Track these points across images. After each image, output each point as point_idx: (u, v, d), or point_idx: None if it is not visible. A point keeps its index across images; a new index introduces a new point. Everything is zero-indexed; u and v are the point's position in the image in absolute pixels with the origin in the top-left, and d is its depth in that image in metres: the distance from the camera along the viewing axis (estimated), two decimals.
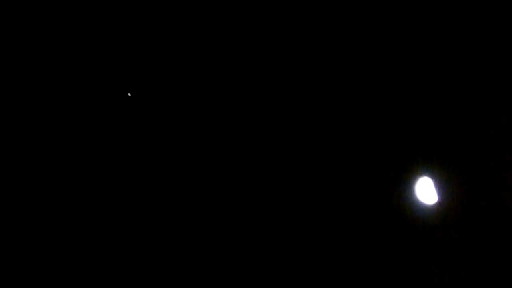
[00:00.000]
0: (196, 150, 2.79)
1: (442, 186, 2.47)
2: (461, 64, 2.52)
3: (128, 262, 2.68)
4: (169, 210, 2.75)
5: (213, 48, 2.82)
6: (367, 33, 2.65)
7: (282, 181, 2.70)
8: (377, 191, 2.58)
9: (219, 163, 2.77)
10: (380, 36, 2.65)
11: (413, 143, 2.57)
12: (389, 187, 2.56)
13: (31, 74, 2.79)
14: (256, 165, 2.73)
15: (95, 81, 2.83)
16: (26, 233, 2.68)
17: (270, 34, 2.76)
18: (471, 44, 2.50)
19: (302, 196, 2.67)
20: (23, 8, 2.73)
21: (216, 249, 2.67)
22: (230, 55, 2.81)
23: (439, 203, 2.47)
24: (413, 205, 2.50)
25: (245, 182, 2.72)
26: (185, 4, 2.75)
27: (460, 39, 2.53)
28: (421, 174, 2.53)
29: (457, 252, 2.42)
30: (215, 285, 2.62)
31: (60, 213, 2.72)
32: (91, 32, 2.80)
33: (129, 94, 2.82)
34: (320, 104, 2.71)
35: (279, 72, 2.77)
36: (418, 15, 2.58)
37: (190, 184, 2.77)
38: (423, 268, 2.46)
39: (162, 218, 2.74)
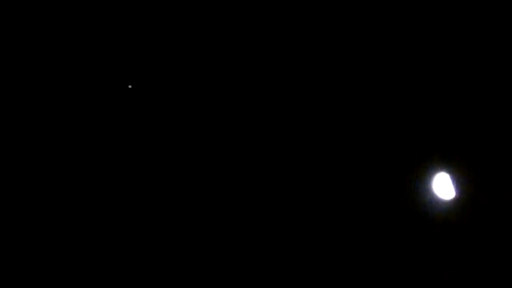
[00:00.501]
0: (196, 145, 2.78)
1: (460, 181, 2.46)
2: (483, 60, 2.49)
3: (128, 262, 2.69)
4: (169, 207, 2.74)
5: (214, 41, 2.80)
6: (381, 29, 2.63)
7: (296, 177, 2.69)
8: (393, 186, 2.57)
9: (219, 160, 2.76)
10: (393, 34, 2.62)
11: (430, 139, 2.56)
12: (406, 182, 2.56)
13: (30, 69, 2.78)
14: (278, 163, 2.72)
15: (95, 72, 2.81)
16: (26, 232, 2.68)
17: (270, 33, 2.73)
18: (492, 45, 2.48)
19: (316, 193, 2.66)
20: (22, 5, 2.73)
21: (216, 249, 2.67)
22: (230, 50, 2.79)
23: (456, 199, 2.45)
24: (430, 200, 2.49)
25: (263, 181, 2.72)
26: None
27: (477, 41, 2.50)
28: (439, 170, 2.51)
29: (475, 248, 2.40)
30: (215, 285, 2.63)
31: (59, 211, 2.72)
32: (91, 24, 2.79)
33: (129, 86, 2.81)
34: (337, 101, 2.70)
35: (290, 69, 2.75)
36: (430, 15, 2.55)
37: (189, 180, 2.76)
38: (440, 264, 2.44)
39: (161, 216, 2.74)
